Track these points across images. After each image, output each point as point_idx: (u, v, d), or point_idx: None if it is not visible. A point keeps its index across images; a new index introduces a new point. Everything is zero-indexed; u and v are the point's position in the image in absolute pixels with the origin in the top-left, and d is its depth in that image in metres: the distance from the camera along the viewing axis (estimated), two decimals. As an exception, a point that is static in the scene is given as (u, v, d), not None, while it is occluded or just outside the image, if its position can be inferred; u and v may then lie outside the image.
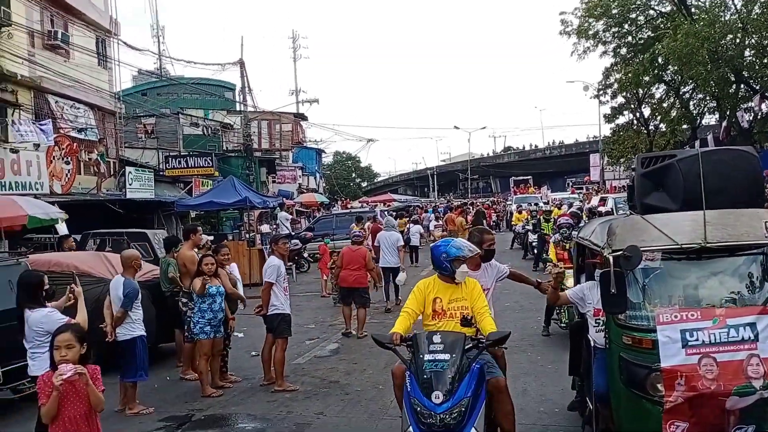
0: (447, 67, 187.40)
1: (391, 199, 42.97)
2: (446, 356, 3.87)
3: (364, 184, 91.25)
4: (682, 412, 3.70)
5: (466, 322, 4.38)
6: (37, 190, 14.70)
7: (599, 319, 4.55)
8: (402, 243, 13.44)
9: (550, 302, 5.61)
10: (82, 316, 5.07)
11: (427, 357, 3.90)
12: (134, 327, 6.62)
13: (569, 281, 8.15)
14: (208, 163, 25.89)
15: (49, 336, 4.84)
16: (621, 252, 3.87)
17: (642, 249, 3.88)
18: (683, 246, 3.97)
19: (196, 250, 8.32)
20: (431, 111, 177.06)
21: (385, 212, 18.92)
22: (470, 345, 4.06)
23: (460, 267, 4.48)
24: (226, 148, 35.76)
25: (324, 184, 50.51)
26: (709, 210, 3.95)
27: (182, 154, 26.89)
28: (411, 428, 3.82)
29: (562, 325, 8.66)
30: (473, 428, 3.79)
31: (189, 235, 8.38)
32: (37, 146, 16.19)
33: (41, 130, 15.89)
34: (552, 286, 4.92)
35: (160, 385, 7.75)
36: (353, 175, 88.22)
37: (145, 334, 6.74)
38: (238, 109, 39.47)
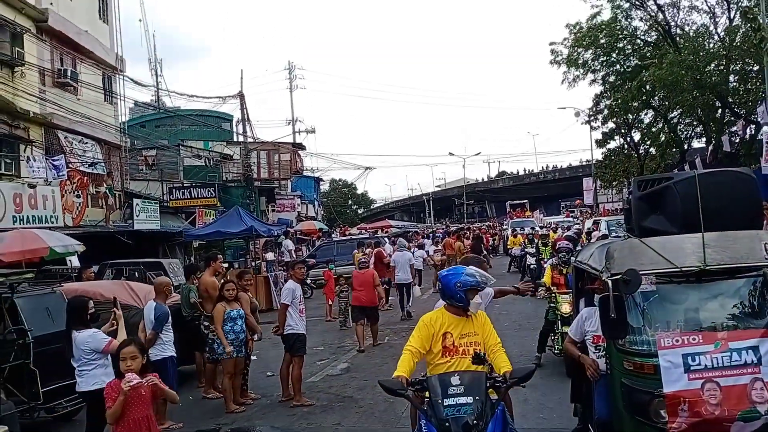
0: (441, 94, 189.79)
1: (388, 225, 43.40)
2: (468, 399, 3.55)
3: (360, 211, 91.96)
4: (687, 436, 3.70)
5: (478, 359, 3.92)
6: (52, 223, 15.09)
7: (600, 345, 4.61)
8: (413, 262, 15.35)
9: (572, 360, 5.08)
10: (122, 336, 5.52)
11: (446, 402, 3.56)
12: (165, 348, 7.03)
13: (564, 307, 8.56)
14: (211, 193, 26.36)
15: (94, 354, 5.34)
16: (620, 276, 3.90)
17: (641, 272, 3.92)
18: (683, 269, 4.04)
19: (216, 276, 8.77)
20: (426, 138, 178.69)
21: (399, 237, 19.93)
22: (491, 382, 3.78)
23: (474, 298, 4.18)
24: (226, 178, 36.26)
25: (322, 212, 50.98)
26: (707, 232, 4.03)
27: (185, 185, 27.33)
28: None
29: (556, 352, 8.65)
30: None
31: (210, 262, 8.85)
32: (48, 182, 16.66)
33: (54, 165, 16.35)
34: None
35: (183, 404, 8.08)
36: (350, 202, 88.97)
37: (175, 354, 7.16)
38: (235, 139, 40.13)
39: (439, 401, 3.56)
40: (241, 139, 37.99)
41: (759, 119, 19.02)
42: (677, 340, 3.87)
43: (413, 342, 4.20)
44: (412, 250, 19.63)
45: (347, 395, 8.05)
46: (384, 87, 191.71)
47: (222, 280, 8.40)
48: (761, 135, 19.28)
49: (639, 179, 4.89)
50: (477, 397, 3.56)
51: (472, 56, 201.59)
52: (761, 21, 16.21)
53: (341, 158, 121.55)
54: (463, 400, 3.54)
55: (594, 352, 4.72)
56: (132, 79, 24.08)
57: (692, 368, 3.77)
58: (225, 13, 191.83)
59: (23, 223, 13.80)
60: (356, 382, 8.80)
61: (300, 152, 45.93)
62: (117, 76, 25.26)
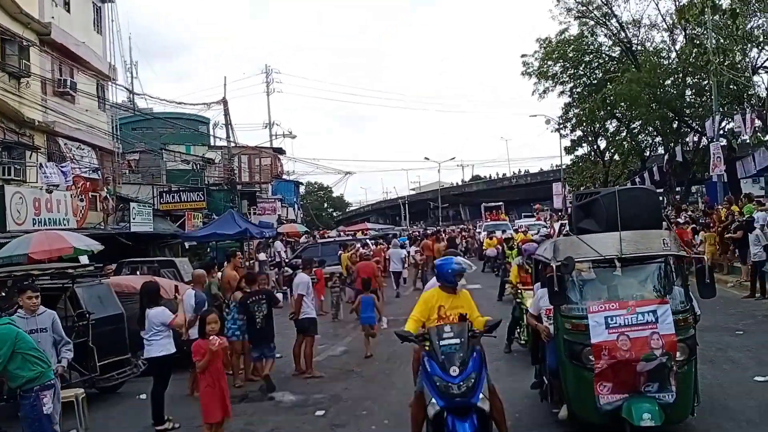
0: (415, 101, 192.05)
1: (367, 228, 44.88)
2: (457, 340, 5.04)
3: (336, 214, 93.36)
4: (607, 375, 5.31)
5: (462, 319, 5.48)
6: (64, 225, 16.34)
7: (550, 316, 6.17)
8: (404, 256, 19.62)
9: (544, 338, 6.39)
10: (181, 314, 7.05)
11: (442, 343, 5.04)
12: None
13: (529, 301, 9.87)
14: (200, 197, 27.59)
15: (161, 326, 6.83)
16: (561, 261, 5.52)
17: (576, 259, 5.58)
18: (605, 257, 5.67)
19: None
20: (401, 143, 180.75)
21: (396, 236, 22.77)
22: (471, 333, 5.21)
23: (461, 280, 5.85)
24: (208, 182, 37.32)
25: (302, 215, 52.28)
26: (624, 231, 5.62)
27: (174, 189, 28.55)
28: (434, 400, 4.92)
29: (522, 342, 9.76)
30: (481, 394, 4.98)
31: (230, 258, 10.35)
32: (56, 186, 17.84)
33: (62, 171, 17.58)
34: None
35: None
36: (325, 205, 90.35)
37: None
38: (212, 143, 41.17)
39: (437, 342, 5.12)
40: (219, 142, 39.16)
41: (707, 133, 20.98)
42: (601, 307, 5.52)
43: (416, 313, 5.76)
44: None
45: (349, 369, 9.61)
46: (359, 92, 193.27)
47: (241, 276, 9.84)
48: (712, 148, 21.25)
49: (576, 194, 6.59)
50: (462, 340, 5.09)
51: (447, 64, 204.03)
52: (707, 45, 18.20)
53: (319, 163, 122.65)
54: (453, 341, 5.08)
55: (546, 321, 6.35)
56: (126, 88, 25.20)
57: (611, 326, 5.40)
58: (201, 16, 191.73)
59: (41, 225, 15.03)
60: (355, 359, 10.37)
61: (280, 157, 47.23)
62: (109, 84, 26.49)
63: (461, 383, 4.93)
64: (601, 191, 6.49)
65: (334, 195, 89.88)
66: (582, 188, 40.35)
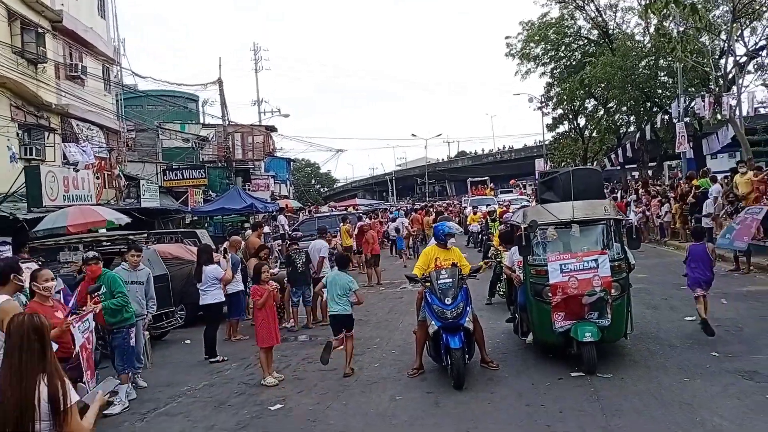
0: (403, 79, 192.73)
1: (356, 204, 46.56)
2: (450, 280, 7.07)
3: (324, 190, 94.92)
4: (561, 307, 7.16)
5: (453, 266, 7.47)
6: (88, 201, 17.90)
7: (521, 266, 8.00)
8: (400, 227, 22.05)
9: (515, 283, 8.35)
10: (230, 271, 8.81)
11: (439, 281, 7.09)
12: (237, 284, 10.22)
13: (506, 260, 11.85)
14: (201, 174, 29.07)
15: (215, 280, 8.56)
16: (529, 223, 7.48)
17: (539, 222, 7.50)
18: (561, 220, 7.53)
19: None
20: (388, 120, 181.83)
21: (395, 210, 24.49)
22: (460, 276, 7.31)
23: (450, 239, 7.89)
24: (203, 159, 38.68)
25: (293, 191, 53.79)
26: (575, 201, 7.45)
27: (177, 167, 30.00)
28: (433, 322, 6.95)
29: (501, 293, 11.61)
30: (467, 318, 7.00)
31: (257, 228, 12.14)
32: (75, 164, 19.35)
33: (84, 151, 19.09)
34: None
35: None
36: (313, 181, 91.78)
37: (243, 288, 10.38)
38: (202, 120, 42.38)
39: (436, 281, 7.10)
40: (209, 119, 40.40)
41: (673, 114, 22.85)
42: (557, 257, 7.39)
43: (420, 263, 7.81)
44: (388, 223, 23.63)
45: (357, 318, 11.32)
46: (347, 71, 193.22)
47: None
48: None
49: (541, 172, 8.53)
50: (454, 280, 7.09)
51: (434, 43, 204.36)
52: (673, 34, 19.95)
53: (309, 141, 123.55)
54: (448, 281, 7.10)
55: (518, 270, 8.23)
56: (132, 71, 26.51)
57: (564, 270, 7.26)
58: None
59: (70, 201, 16.57)
60: (361, 313, 12.04)
61: (272, 134, 48.56)
62: (114, 66, 27.82)
63: (453, 309, 6.89)
64: (560, 171, 8.38)
65: (322, 171, 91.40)
66: (563, 164, 42.40)
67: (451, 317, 6.84)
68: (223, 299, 8.93)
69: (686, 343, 8.09)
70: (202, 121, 43.49)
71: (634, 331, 7.92)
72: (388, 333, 10.04)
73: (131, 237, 10.08)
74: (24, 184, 16.11)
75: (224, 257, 9.41)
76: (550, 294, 7.26)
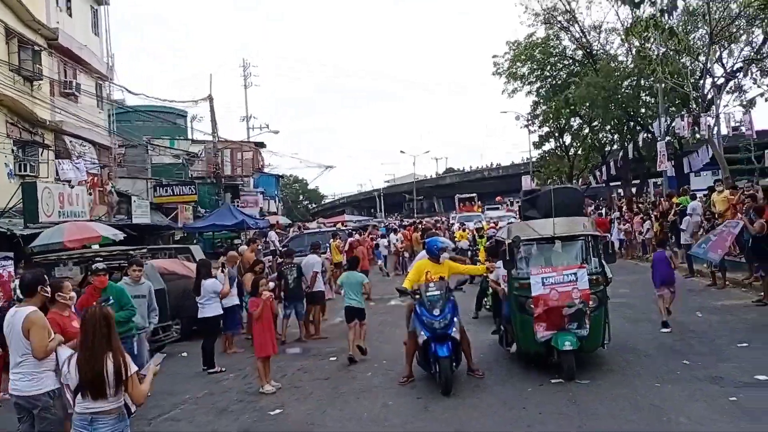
0: (401, 80, 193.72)
1: (345, 220, 46.96)
2: (438, 292, 7.50)
3: (311, 206, 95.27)
4: (542, 318, 7.61)
5: (442, 279, 7.89)
6: (81, 217, 18.20)
7: (506, 280, 8.50)
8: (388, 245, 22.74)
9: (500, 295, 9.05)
10: (227, 285, 9.19)
11: (428, 294, 7.51)
12: (232, 299, 10.60)
13: (492, 274, 12.37)
14: (191, 191, 29.37)
15: (213, 293, 8.93)
16: (512, 239, 7.94)
17: (522, 238, 7.97)
18: (543, 236, 8.03)
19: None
20: (376, 136, 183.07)
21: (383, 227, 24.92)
22: (447, 288, 7.74)
23: (443, 254, 8.31)
24: (192, 175, 38.94)
25: (282, 207, 54.14)
26: (556, 218, 7.93)
27: (168, 183, 30.28)
28: (422, 333, 7.37)
29: (487, 308, 11.98)
30: (455, 328, 7.44)
31: (251, 243, 12.51)
32: (69, 182, 19.64)
33: (77, 167, 19.41)
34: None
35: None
36: (301, 197, 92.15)
37: (239, 303, 10.76)
38: (190, 136, 42.69)
39: (425, 293, 7.54)
40: (197, 135, 40.71)
41: (655, 133, 23.57)
42: (540, 271, 7.85)
43: (410, 276, 8.25)
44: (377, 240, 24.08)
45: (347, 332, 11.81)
46: (346, 71, 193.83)
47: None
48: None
49: (524, 191, 8.96)
50: (442, 292, 7.53)
51: (422, 59, 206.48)
52: (654, 56, 20.69)
53: (298, 158, 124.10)
54: (436, 293, 7.53)
55: (503, 284, 8.70)
56: (125, 88, 26.96)
57: (546, 283, 7.73)
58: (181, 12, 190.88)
59: (65, 217, 16.87)
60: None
61: (261, 150, 48.97)
62: (106, 83, 28.19)
63: (441, 320, 7.35)
64: (542, 189, 8.88)
65: (310, 187, 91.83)
66: (549, 181, 43.14)
67: (439, 328, 7.28)
68: (221, 312, 9.31)
69: (660, 353, 8.56)
70: (191, 136, 43.75)
71: (612, 341, 8.39)
72: (379, 345, 10.42)
73: (131, 252, 10.43)
74: (21, 200, 16.41)
75: (222, 271, 9.80)
76: (532, 306, 7.71)
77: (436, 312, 7.40)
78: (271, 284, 10.83)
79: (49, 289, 5.64)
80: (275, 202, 49.87)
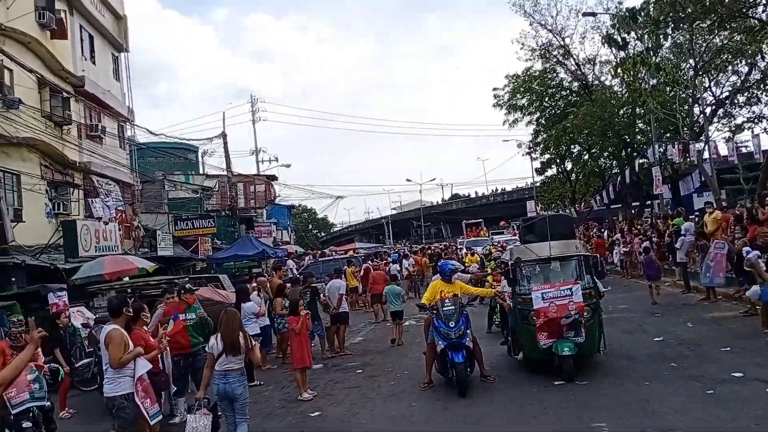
0: (396, 126, 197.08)
1: (356, 247, 48.12)
2: (453, 307, 8.69)
3: (321, 235, 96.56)
4: (543, 328, 8.74)
5: (455, 296, 9.06)
6: (114, 251, 19.48)
7: (510, 296, 9.78)
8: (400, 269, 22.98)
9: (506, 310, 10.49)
10: (263, 308, 10.36)
11: (444, 308, 8.70)
12: (265, 320, 11.74)
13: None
14: (210, 223, 30.64)
15: (253, 315, 10.10)
16: (515, 260, 9.23)
17: (523, 259, 9.23)
18: (541, 257, 9.24)
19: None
20: (383, 167, 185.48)
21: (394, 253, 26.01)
22: (460, 304, 8.97)
23: (455, 275, 9.65)
24: (206, 208, 40.31)
25: (294, 237, 55.38)
26: (552, 241, 9.20)
27: (188, 217, 31.59)
28: (440, 342, 8.57)
29: (496, 323, 13.21)
30: (468, 338, 8.61)
31: (276, 270, 13.70)
32: (99, 219, 20.96)
33: (107, 205, 20.75)
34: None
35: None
36: (310, 226, 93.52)
37: (270, 323, 11.90)
38: (201, 170, 44.14)
39: (441, 308, 8.71)
40: (208, 170, 42.24)
41: (650, 159, 24.82)
42: (540, 287, 9.02)
43: (427, 294, 9.44)
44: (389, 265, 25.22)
45: (369, 349, 12.99)
46: (342, 119, 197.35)
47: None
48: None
49: (523, 219, 10.24)
50: (456, 307, 8.71)
51: (426, 93, 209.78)
52: (644, 87, 22.00)
53: (307, 188, 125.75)
54: (451, 307, 8.72)
55: (508, 298, 9.85)
56: (147, 129, 28.48)
57: (545, 298, 8.89)
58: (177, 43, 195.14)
59: (100, 251, 18.15)
60: (372, 344, 13.76)
61: (273, 183, 50.46)
62: (127, 125, 29.76)
63: (456, 331, 8.52)
64: (538, 216, 10.14)
65: (319, 217, 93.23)
66: (552, 205, 44.36)
67: (455, 337, 8.44)
68: (259, 331, 10.45)
69: (651, 358, 9.65)
70: (202, 171, 45.19)
71: (608, 349, 9.52)
72: (398, 359, 11.57)
73: (176, 281, 11.64)
74: (60, 237, 17.70)
75: (259, 295, 10.97)
76: (534, 317, 8.86)
77: (452, 324, 8.58)
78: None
79: (131, 310, 6.85)
80: (288, 232, 51.14)
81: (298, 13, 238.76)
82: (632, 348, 10.46)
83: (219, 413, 6.89)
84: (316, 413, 8.31)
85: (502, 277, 13.25)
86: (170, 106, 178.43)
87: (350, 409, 8.37)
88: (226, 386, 6.65)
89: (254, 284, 12.34)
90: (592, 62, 31.90)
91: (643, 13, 14.64)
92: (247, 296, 10.53)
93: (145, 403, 6.59)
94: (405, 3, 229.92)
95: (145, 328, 7.36)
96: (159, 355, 7.22)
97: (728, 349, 9.67)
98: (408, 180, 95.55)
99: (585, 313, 8.81)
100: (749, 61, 21.02)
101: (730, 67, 23.05)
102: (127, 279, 16.70)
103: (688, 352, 9.77)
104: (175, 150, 42.97)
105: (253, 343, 7.05)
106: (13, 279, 15.03)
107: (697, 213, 19.39)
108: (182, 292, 9.29)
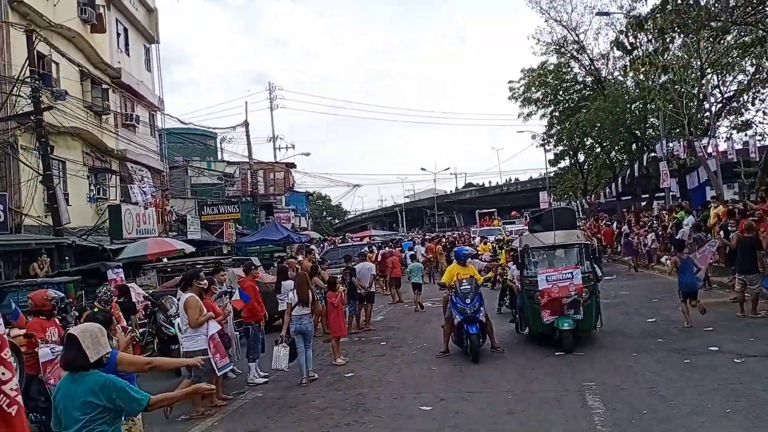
0: (412, 115, 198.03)
1: (371, 234, 49.52)
2: (469, 286, 10.00)
3: (335, 222, 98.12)
4: (547, 306, 10.04)
5: (471, 277, 10.43)
6: (152, 234, 21.01)
7: (519, 279, 11.17)
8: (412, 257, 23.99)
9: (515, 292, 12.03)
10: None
11: (462, 287, 10.00)
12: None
13: (509, 274, 14.86)
14: (235, 209, 32.14)
15: (290, 291, 11.44)
16: (523, 247, 10.60)
17: (531, 246, 10.59)
18: (547, 245, 10.59)
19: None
20: (397, 155, 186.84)
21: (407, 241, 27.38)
22: (476, 284, 10.35)
23: (470, 260, 11.13)
24: (228, 195, 41.81)
25: (311, 223, 56.91)
26: (557, 230, 10.51)
27: (214, 203, 33.11)
28: (457, 316, 9.93)
29: (507, 305, 14.53)
30: (481, 314, 9.94)
31: (307, 254, 15.09)
32: (136, 204, 22.47)
33: (144, 191, 22.26)
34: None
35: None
36: (324, 213, 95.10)
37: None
38: (220, 157, 45.61)
39: (459, 286, 10.05)
40: (227, 156, 43.69)
41: (657, 154, 25.89)
42: (545, 271, 10.33)
43: (445, 277, 10.77)
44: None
45: (391, 326, 14.38)
46: (357, 107, 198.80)
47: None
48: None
49: (531, 211, 11.61)
50: (471, 286, 10.05)
51: (442, 79, 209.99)
52: (653, 84, 23.06)
53: (324, 176, 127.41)
54: (467, 286, 10.05)
55: (517, 281, 11.18)
56: (178, 118, 29.98)
57: (549, 280, 10.19)
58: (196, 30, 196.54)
59: (140, 234, 19.68)
60: (393, 322, 15.14)
61: (291, 170, 51.90)
62: (158, 113, 31.26)
63: (471, 307, 9.84)
64: (545, 209, 11.47)
65: (333, 204, 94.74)
66: (565, 196, 45.46)
67: (470, 312, 9.80)
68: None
69: (642, 335, 10.96)
70: (220, 157, 46.64)
71: (605, 328, 10.85)
72: (418, 333, 12.97)
73: (222, 261, 13.07)
74: (104, 220, 19.23)
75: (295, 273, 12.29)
76: (539, 297, 10.18)
77: (468, 300, 9.94)
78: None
79: (203, 282, 8.27)
80: (306, 218, 52.65)
81: (315, 0, 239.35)
82: (626, 327, 11.76)
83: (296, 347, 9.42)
84: (350, 374, 9.72)
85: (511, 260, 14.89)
86: (188, 91, 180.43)
87: (379, 371, 9.77)
88: (300, 325, 9.47)
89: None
90: (605, 58, 32.85)
91: (650, 22, 15.72)
92: (286, 275, 11.87)
93: (215, 357, 8.03)
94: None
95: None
96: (223, 320, 8.65)
97: (711, 329, 10.93)
98: (422, 169, 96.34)
99: (584, 294, 10.11)
100: (755, 61, 21.98)
101: (736, 67, 24.00)
102: (165, 260, 18.29)
103: (675, 331, 11.06)
104: (195, 136, 44.33)
105: (316, 297, 9.82)
106: (66, 257, 16.57)
107: (698, 207, 20.52)
108: (251, 269, 10.95)
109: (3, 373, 4.85)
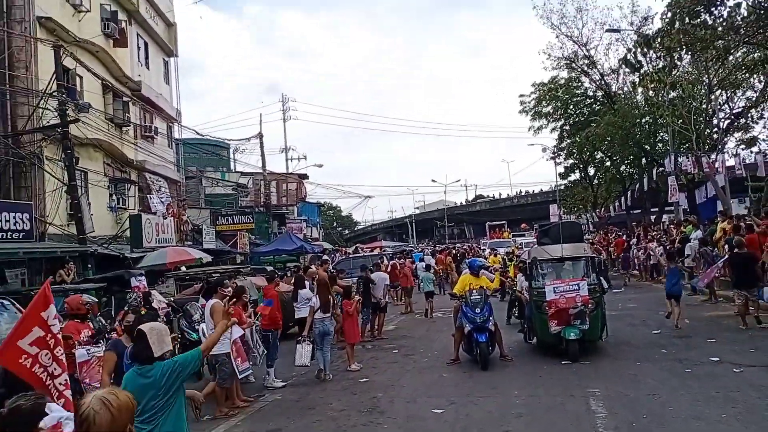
0: (421, 127, 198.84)
1: (382, 245, 49.95)
2: (479, 297, 10.43)
3: (345, 232, 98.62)
4: (554, 316, 10.45)
5: (481, 288, 10.91)
6: (170, 243, 21.57)
7: (527, 290, 11.63)
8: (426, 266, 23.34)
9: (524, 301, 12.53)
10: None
11: (472, 297, 10.44)
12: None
13: (518, 286, 15.32)
14: (249, 219, 32.73)
15: (307, 299, 11.94)
16: (532, 259, 11.03)
17: (539, 258, 11.02)
18: (554, 257, 11.00)
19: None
20: (407, 166, 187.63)
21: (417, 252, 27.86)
22: (486, 294, 10.79)
23: (481, 271, 11.49)
24: (241, 205, 42.41)
25: (323, 233, 57.45)
26: (564, 244, 10.91)
27: (228, 213, 33.70)
28: (467, 325, 10.37)
29: (515, 315, 14.86)
30: (491, 323, 10.35)
31: (322, 263, 15.58)
32: (155, 213, 23.06)
33: (162, 201, 22.86)
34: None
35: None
36: (334, 224, 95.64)
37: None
38: (233, 167, 46.23)
39: (469, 297, 10.50)
40: (240, 166, 44.35)
41: (666, 168, 26.20)
42: (552, 282, 10.74)
43: (458, 286, 11.25)
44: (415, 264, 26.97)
45: (402, 335, 14.81)
46: (367, 119, 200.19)
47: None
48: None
49: (540, 224, 11.98)
50: (481, 296, 10.50)
51: (452, 90, 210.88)
52: (661, 104, 23.45)
53: (337, 187, 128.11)
54: (477, 297, 10.50)
55: (525, 292, 11.60)
56: (195, 130, 30.68)
57: (556, 291, 10.60)
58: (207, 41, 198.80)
59: (159, 243, 20.25)
60: (404, 331, 15.57)
61: (303, 181, 52.53)
62: (175, 125, 31.97)
63: (481, 316, 10.27)
64: (553, 223, 11.91)
65: (343, 214, 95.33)
66: (575, 209, 45.71)
67: (480, 321, 10.22)
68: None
69: (646, 345, 11.32)
70: (233, 168, 47.33)
71: (611, 338, 11.22)
72: (429, 342, 13.38)
73: (241, 270, 13.58)
74: (125, 229, 19.82)
75: (312, 283, 12.74)
76: (547, 307, 10.59)
77: (478, 310, 10.37)
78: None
79: (228, 290, 8.77)
80: (317, 228, 53.21)
81: (328, 12, 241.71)
82: (632, 337, 12.13)
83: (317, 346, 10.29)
84: (365, 379, 10.16)
85: (519, 272, 15.32)
86: (202, 101, 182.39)
87: (392, 377, 10.20)
88: (322, 327, 10.42)
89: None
90: (615, 73, 33.19)
91: (657, 40, 16.17)
92: (303, 284, 12.36)
93: (236, 361, 8.51)
94: (434, 2, 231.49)
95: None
96: (247, 327, 9.16)
97: (713, 340, 11.28)
98: (433, 180, 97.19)
99: (590, 305, 10.51)
100: (763, 78, 22.32)
101: (744, 84, 24.34)
102: (184, 268, 18.83)
103: (678, 342, 11.40)
104: (209, 147, 45.02)
105: (336, 302, 10.90)
106: (89, 265, 17.14)
107: (706, 222, 20.82)
108: (274, 277, 11.56)
109: (55, 369, 5.35)
